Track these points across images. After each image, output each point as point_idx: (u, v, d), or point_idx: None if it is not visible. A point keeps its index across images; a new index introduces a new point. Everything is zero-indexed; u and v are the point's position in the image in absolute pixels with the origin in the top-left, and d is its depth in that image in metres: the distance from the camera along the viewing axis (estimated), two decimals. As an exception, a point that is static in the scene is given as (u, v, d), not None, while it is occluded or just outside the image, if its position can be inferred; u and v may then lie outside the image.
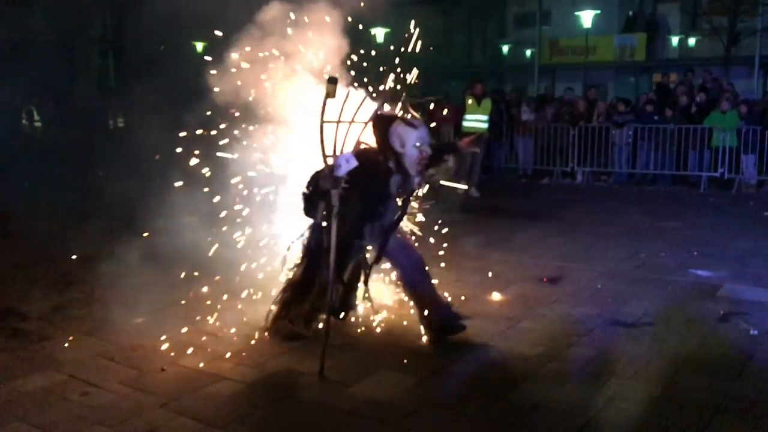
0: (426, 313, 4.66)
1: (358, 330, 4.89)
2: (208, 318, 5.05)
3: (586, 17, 23.08)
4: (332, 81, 4.21)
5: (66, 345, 4.60)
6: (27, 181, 11.79)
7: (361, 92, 4.72)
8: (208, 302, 5.30)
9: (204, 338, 4.72)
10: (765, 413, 3.65)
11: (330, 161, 4.31)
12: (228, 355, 4.43)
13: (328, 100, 4.21)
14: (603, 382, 4.04)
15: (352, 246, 4.56)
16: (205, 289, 5.43)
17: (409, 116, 4.70)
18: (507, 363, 4.34)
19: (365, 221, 4.55)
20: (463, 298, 5.53)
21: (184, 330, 4.83)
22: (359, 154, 4.41)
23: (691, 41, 24.79)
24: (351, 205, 4.40)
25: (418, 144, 4.47)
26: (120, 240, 6.01)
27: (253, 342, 4.65)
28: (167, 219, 5.75)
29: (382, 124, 4.55)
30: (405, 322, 4.97)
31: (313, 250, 4.61)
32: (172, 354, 4.44)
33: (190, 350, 4.49)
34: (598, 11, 23.65)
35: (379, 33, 22.74)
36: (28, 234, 7.93)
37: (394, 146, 4.50)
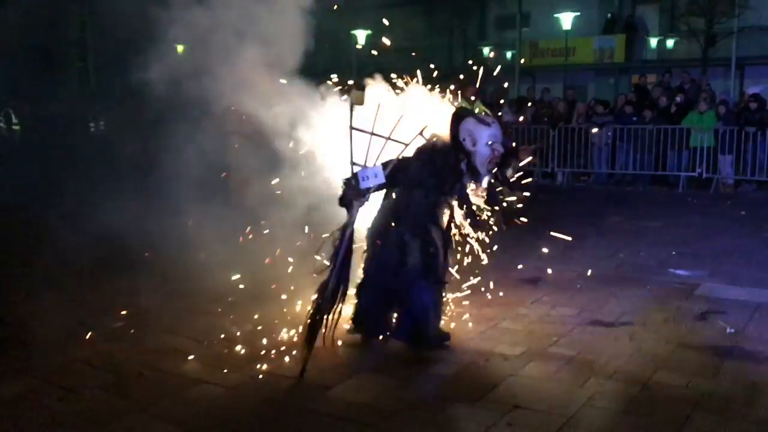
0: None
1: (338, 332, 4.87)
2: (188, 322, 5.02)
3: (566, 19, 23.21)
4: (360, 88, 4.16)
5: (43, 350, 4.54)
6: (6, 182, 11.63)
7: (402, 103, 4.56)
8: (188, 306, 5.27)
9: (183, 342, 4.69)
10: (743, 411, 3.69)
11: (357, 170, 4.22)
12: (208, 359, 4.40)
13: (356, 107, 4.16)
14: (582, 381, 4.06)
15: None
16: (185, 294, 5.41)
17: (482, 113, 4.54)
18: (487, 363, 4.35)
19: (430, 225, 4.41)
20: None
21: (164, 334, 4.79)
22: (429, 148, 4.30)
23: (670, 43, 25.01)
24: (414, 207, 4.31)
25: (490, 142, 4.30)
26: (97, 244, 5.96)
27: (233, 346, 4.62)
28: (145, 222, 5.71)
29: (453, 120, 4.38)
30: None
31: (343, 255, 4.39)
32: (151, 358, 4.40)
33: (169, 354, 4.46)
34: (578, 13, 23.79)
35: (360, 35, 22.73)
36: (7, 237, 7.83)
37: (465, 144, 4.33)
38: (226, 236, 5.47)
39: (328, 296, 4.28)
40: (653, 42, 25.50)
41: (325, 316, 4.31)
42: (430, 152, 4.33)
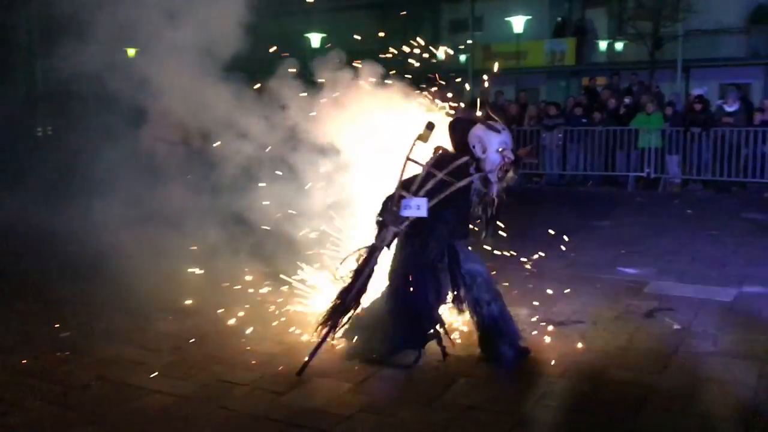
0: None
1: (292, 337, 4.84)
2: (137, 330, 4.93)
3: (517, 23, 23.53)
4: (430, 127, 4.16)
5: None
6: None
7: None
8: (138, 314, 5.18)
9: (132, 351, 4.60)
10: (688, 405, 3.77)
11: (403, 198, 4.17)
12: (156, 367, 4.32)
13: (419, 142, 4.20)
14: (534, 380, 4.11)
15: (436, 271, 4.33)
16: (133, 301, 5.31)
17: (491, 120, 4.43)
18: (441, 365, 4.36)
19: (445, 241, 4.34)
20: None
21: (112, 343, 4.69)
22: (442, 159, 4.28)
23: (619, 46, 25.51)
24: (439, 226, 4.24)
25: (501, 149, 4.25)
26: (44, 253, 5.82)
27: (184, 354, 4.55)
28: (92, 230, 5.60)
29: (461, 126, 4.34)
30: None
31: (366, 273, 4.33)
32: (99, 369, 4.30)
33: (118, 364, 4.37)
34: (529, 17, 24.12)
35: (315, 38, 22.67)
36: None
37: (475, 151, 4.29)
38: (173, 244, 5.41)
39: (342, 309, 4.30)
40: (603, 45, 25.96)
41: (333, 327, 4.31)
42: (450, 168, 4.27)
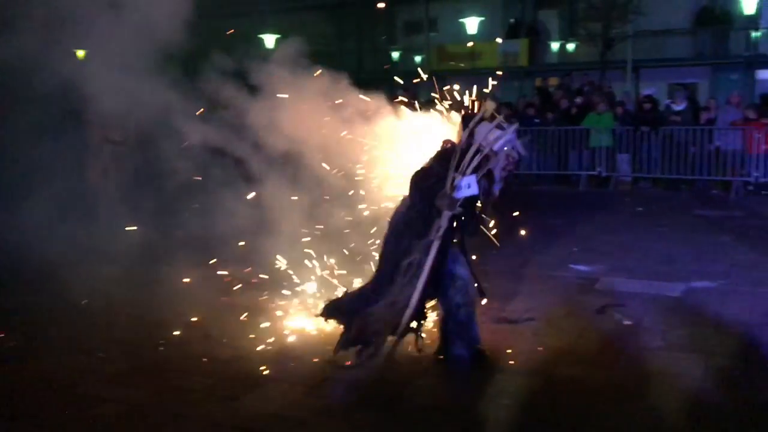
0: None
1: (247, 342, 4.80)
2: (88, 338, 4.83)
3: (471, 24, 23.78)
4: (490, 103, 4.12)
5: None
6: None
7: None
8: (88, 322, 5.08)
9: (83, 359, 4.50)
10: (638, 400, 3.85)
11: (456, 181, 4.07)
12: (107, 375, 4.24)
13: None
14: (489, 379, 4.15)
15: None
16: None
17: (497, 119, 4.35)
18: (397, 365, 4.36)
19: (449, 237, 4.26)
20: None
21: (62, 352, 4.59)
22: (452, 153, 4.18)
23: (570, 47, 25.96)
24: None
25: (506, 148, 4.24)
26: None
27: (137, 361, 4.47)
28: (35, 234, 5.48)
29: (468, 123, 4.27)
30: (288, 332, 4.93)
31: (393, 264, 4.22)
32: (49, 378, 4.20)
33: (68, 373, 4.27)
34: (482, 18, 24.40)
35: (269, 39, 22.52)
36: None
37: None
38: (123, 249, 5.32)
39: (415, 310, 4.14)
40: (555, 46, 26.38)
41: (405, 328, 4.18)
42: (444, 163, 4.20)
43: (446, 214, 4.12)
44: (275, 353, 4.58)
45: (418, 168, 4.26)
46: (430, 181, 4.18)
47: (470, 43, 23.42)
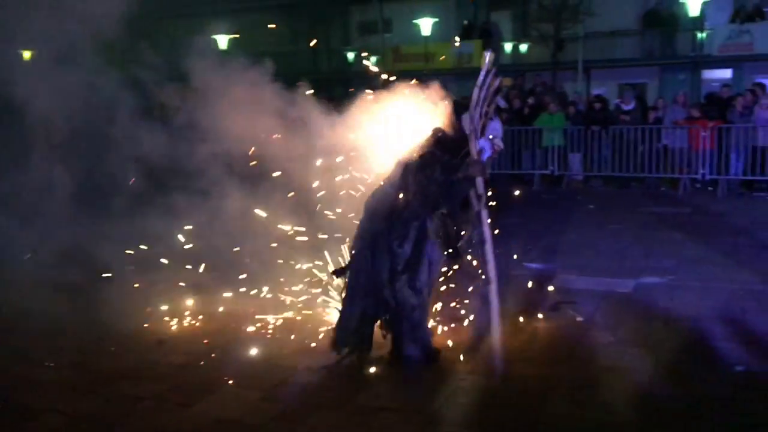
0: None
1: (201, 348, 4.73)
2: (35, 346, 4.70)
3: (425, 25, 23.88)
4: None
5: None
6: None
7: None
8: (35, 329, 4.95)
9: (28, 369, 4.38)
10: (591, 395, 3.91)
11: (477, 146, 3.97)
12: (55, 385, 4.13)
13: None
14: (443, 378, 4.16)
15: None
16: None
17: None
18: (352, 368, 4.36)
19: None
20: (297, 304, 5.50)
21: (6, 360, 4.46)
22: (440, 146, 4.13)
23: (523, 47, 26.28)
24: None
25: (491, 136, 4.20)
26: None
27: (83, 370, 4.37)
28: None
29: (457, 110, 4.24)
30: (242, 336, 4.88)
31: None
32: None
33: (11, 382, 4.15)
34: (436, 19, 24.53)
35: (222, 39, 22.25)
36: None
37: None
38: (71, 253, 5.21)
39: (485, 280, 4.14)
40: (508, 47, 26.67)
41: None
42: (441, 150, 4.18)
43: (480, 182, 4.08)
44: (230, 358, 4.52)
45: (409, 157, 4.22)
46: (442, 161, 4.15)
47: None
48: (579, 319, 5.22)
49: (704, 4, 20.44)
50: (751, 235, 8.51)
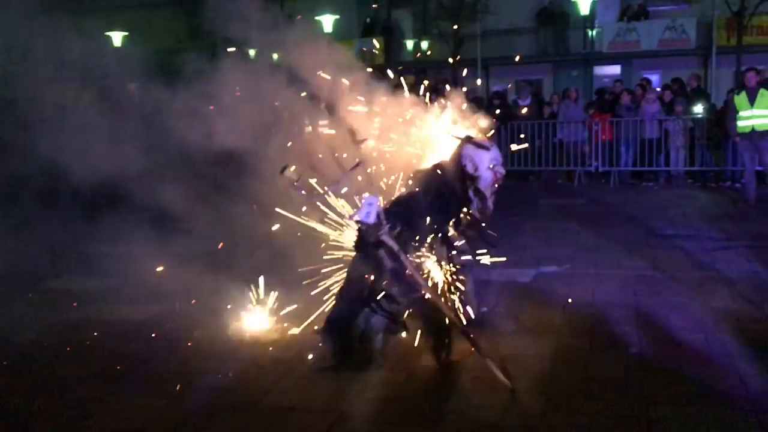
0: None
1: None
2: None
3: (327, 22, 23.84)
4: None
5: None
6: None
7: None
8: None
9: None
10: (495, 383, 4.00)
11: (357, 216, 3.89)
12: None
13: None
14: (351, 375, 4.16)
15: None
16: None
17: (478, 138, 4.47)
18: (260, 368, 4.31)
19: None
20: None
21: None
22: (435, 180, 4.21)
23: (424, 45, 26.67)
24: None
25: (492, 165, 4.33)
26: None
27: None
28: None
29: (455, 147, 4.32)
30: (143, 344, 4.73)
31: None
32: None
33: None
34: (337, 16, 24.52)
35: (116, 37, 21.45)
36: None
37: (466, 169, 4.32)
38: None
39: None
40: (409, 44, 26.98)
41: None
42: (437, 184, 4.27)
43: (386, 239, 3.98)
44: (131, 367, 4.38)
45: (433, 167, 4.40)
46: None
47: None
48: (483, 309, 5.33)
49: (594, 3, 21.35)
50: (642, 223, 8.99)
